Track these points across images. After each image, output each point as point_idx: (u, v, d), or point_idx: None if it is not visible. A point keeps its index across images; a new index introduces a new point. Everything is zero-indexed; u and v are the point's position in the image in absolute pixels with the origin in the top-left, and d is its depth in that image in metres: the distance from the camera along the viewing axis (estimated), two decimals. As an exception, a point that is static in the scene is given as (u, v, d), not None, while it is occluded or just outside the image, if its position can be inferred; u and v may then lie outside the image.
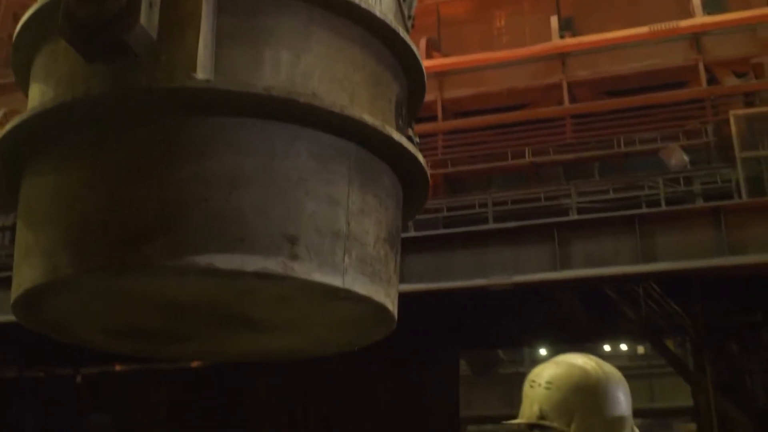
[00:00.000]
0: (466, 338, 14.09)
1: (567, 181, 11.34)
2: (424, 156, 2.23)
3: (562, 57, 12.77)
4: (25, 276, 1.97)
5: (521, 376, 2.81)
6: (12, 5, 14.42)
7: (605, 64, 12.58)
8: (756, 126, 9.79)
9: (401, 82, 2.26)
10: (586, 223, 9.48)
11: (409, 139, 2.19)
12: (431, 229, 10.01)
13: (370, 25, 2.08)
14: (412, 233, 9.32)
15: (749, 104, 11.26)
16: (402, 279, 2.29)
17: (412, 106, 2.36)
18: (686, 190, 9.94)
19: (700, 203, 9.65)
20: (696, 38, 12.17)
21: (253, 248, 1.81)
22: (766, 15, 11.54)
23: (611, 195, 10.13)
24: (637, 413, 2.74)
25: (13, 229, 10.79)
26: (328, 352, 2.60)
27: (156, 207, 1.80)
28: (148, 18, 1.75)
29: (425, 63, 2.34)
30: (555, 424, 2.52)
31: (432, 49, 13.29)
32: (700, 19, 12.00)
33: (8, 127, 1.97)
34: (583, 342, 14.79)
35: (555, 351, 14.93)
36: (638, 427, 2.69)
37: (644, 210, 9.52)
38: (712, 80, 11.99)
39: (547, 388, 2.59)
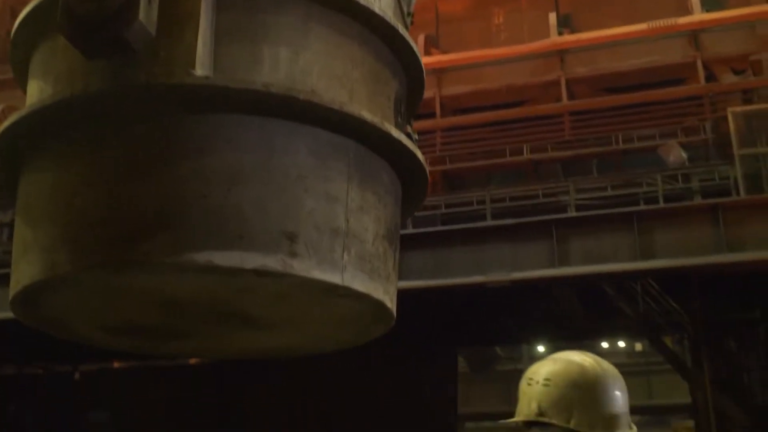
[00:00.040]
0: (464, 335, 14.09)
1: (565, 178, 11.34)
2: (423, 153, 2.22)
3: (560, 54, 12.77)
4: (23, 273, 1.97)
5: (519, 373, 2.81)
6: (10, 1, 14.39)
7: (604, 61, 12.58)
8: (754, 123, 9.79)
9: (400, 79, 2.26)
10: (584, 220, 9.47)
11: (408, 136, 2.19)
12: (429, 226, 10.00)
13: (369, 21, 2.08)
14: (410, 230, 9.31)
15: (747, 101, 11.25)
16: (400, 276, 2.29)
17: (411, 103, 2.36)
18: (684, 187, 9.94)
19: (698, 200, 9.64)
20: (694, 35, 12.17)
21: (252, 245, 1.81)
22: (765, 12, 11.54)
23: (609, 192, 10.13)
24: (634, 410, 2.74)
25: (11, 225, 10.78)
26: (327, 349, 2.60)
27: (155, 204, 1.80)
28: (147, 14, 1.75)
29: (423, 60, 2.33)
30: (554, 421, 2.52)
31: (430, 45, 13.28)
32: (699, 16, 12.00)
33: (6, 123, 1.97)
34: (581, 339, 14.82)
35: (553, 348, 14.95)
36: (636, 423, 2.69)
37: (642, 207, 9.52)
38: (710, 77, 11.99)
39: (546, 385, 2.58)
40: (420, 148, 2.22)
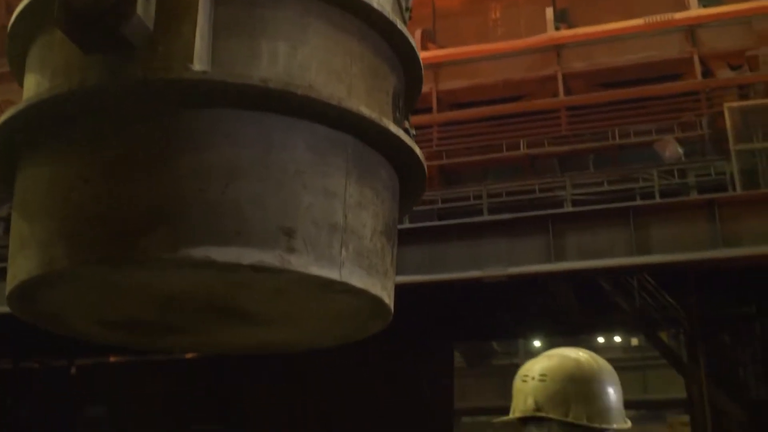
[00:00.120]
0: (461, 330, 14.11)
1: (562, 173, 11.34)
2: (419, 148, 2.22)
3: (557, 49, 12.74)
4: (20, 267, 1.96)
5: (515, 368, 2.80)
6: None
7: (600, 56, 12.56)
8: (750, 118, 9.79)
9: (398, 74, 2.25)
10: (580, 215, 9.48)
11: (406, 131, 2.18)
12: (426, 220, 10.00)
13: (367, 17, 2.07)
14: (407, 225, 9.30)
15: (744, 97, 11.25)
16: (397, 271, 2.29)
17: (409, 98, 2.36)
18: (681, 183, 9.95)
19: (694, 195, 9.65)
20: (691, 30, 12.15)
21: (250, 241, 1.81)
22: (761, 7, 11.53)
23: (606, 187, 10.13)
24: (630, 405, 2.74)
25: (7, 220, 10.75)
26: (325, 344, 2.60)
27: (152, 199, 1.80)
28: (145, 9, 1.74)
29: (420, 54, 2.33)
30: (551, 415, 2.52)
31: (427, 40, 13.26)
32: (696, 11, 11.99)
33: (3, 117, 1.96)
34: (578, 334, 14.86)
35: (549, 342, 14.99)
36: (631, 418, 2.69)
37: (639, 202, 9.52)
38: (707, 73, 11.98)
39: (542, 380, 2.58)
40: (417, 143, 2.21)
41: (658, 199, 9.52)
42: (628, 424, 2.63)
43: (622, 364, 15.54)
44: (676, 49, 12.21)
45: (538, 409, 2.55)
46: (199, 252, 1.77)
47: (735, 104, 10.15)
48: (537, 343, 17.65)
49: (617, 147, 11.56)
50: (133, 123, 1.84)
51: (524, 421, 2.59)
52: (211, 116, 1.83)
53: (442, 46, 13.41)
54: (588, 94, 12.35)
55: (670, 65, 12.25)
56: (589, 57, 12.61)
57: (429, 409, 13.00)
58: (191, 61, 1.78)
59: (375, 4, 2.05)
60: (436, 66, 13.01)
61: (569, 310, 11.87)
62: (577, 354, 2.66)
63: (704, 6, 12.12)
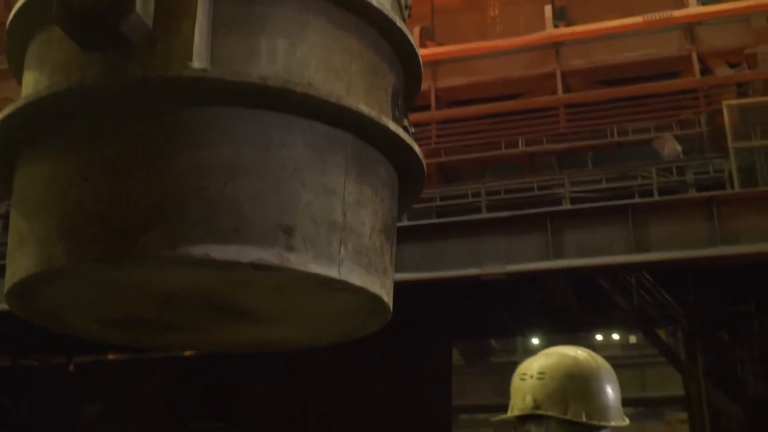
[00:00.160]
0: (459, 327, 14.11)
1: (560, 171, 11.35)
2: (418, 145, 2.22)
3: (556, 46, 12.74)
4: (19, 265, 1.96)
5: (514, 366, 2.81)
6: (3, -8, 14.30)
7: (599, 53, 12.56)
8: (749, 116, 9.80)
9: (398, 72, 2.25)
10: (579, 213, 9.48)
11: (405, 129, 2.18)
12: (424, 218, 10.00)
13: (366, 14, 2.07)
14: (405, 222, 9.30)
15: (742, 94, 11.26)
16: (395, 268, 2.29)
17: (408, 96, 2.35)
18: (679, 180, 9.95)
19: (692, 193, 9.66)
20: (690, 28, 12.15)
21: (249, 239, 1.81)
22: (760, 5, 11.54)
23: (604, 185, 10.14)
24: (628, 402, 2.75)
25: (5, 217, 10.75)
26: (324, 342, 2.60)
27: (151, 197, 1.79)
28: (144, 7, 1.74)
29: (419, 52, 2.33)
30: (550, 413, 2.52)
31: (426, 37, 13.25)
32: (694, 9, 12.00)
33: (2, 115, 1.96)
34: (576, 331, 14.88)
35: (548, 340, 15.00)
36: (629, 416, 2.70)
37: (637, 200, 9.53)
38: (705, 70, 11.99)
39: (540, 378, 2.59)
40: (415, 140, 2.21)
41: (656, 197, 9.53)
42: (626, 421, 2.64)
43: (621, 361, 15.55)
44: (674, 47, 12.22)
45: (536, 407, 2.55)
46: (199, 250, 1.77)
47: (733, 102, 10.16)
48: (535, 341, 17.66)
49: (616, 145, 11.56)
50: (132, 121, 1.84)
51: (523, 419, 2.60)
52: (210, 114, 1.83)
53: (440, 44, 13.41)
54: (587, 92, 12.37)
55: (668, 63, 12.26)
56: (588, 54, 12.61)
57: (427, 406, 13.01)
58: (190, 58, 1.77)
59: (374, 2, 2.05)
60: (435, 63, 13.01)
61: (567, 308, 11.88)
62: (576, 352, 2.67)
63: (703, 4, 12.13)
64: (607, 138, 11.48)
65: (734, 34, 11.90)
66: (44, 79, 1.96)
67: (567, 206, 9.80)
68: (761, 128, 9.61)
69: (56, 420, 14.48)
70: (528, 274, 9.63)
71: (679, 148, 10.54)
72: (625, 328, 16.13)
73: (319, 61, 1.96)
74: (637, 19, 11.90)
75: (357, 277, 1.98)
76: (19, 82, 2.16)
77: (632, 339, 20.74)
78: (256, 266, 1.82)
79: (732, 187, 9.27)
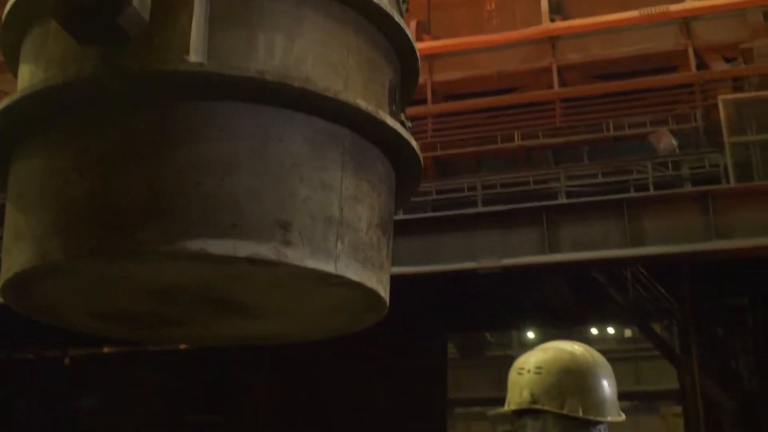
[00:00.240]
0: (455, 321, 14.11)
1: (556, 165, 11.34)
2: (414, 139, 2.22)
3: (552, 41, 12.73)
4: (15, 260, 1.95)
5: (509, 359, 2.81)
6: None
7: (595, 48, 12.56)
8: (744, 111, 9.80)
9: (395, 66, 2.25)
10: (574, 207, 9.49)
11: (402, 124, 2.18)
12: (420, 212, 10.00)
13: (364, 9, 2.06)
14: (401, 216, 9.29)
15: (738, 89, 11.26)
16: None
17: (405, 91, 2.35)
18: (675, 175, 9.95)
19: (688, 188, 9.66)
20: (686, 23, 12.15)
21: (246, 234, 1.80)
22: (756, 0, 11.54)
23: (600, 179, 10.14)
24: (623, 396, 2.76)
25: (1, 211, 10.71)
26: (320, 337, 2.60)
27: (147, 192, 1.79)
28: (141, 0, 1.73)
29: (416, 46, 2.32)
30: (547, 407, 2.53)
31: (422, 31, 13.22)
32: (690, 3, 11.98)
33: (-3, 108, 1.95)
34: (571, 325, 14.87)
35: (543, 334, 15.00)
36: (624, 409, 2.70)
37: (633, 194, 9.53)
38: (701, 65, 12.00)
39: (537, 373, 2.59)
40: (411, 134, 2.21)
41: (652, 191, 9.53)
42: (622, 416, 2.64)
43: (616, 355, 15.57)
44: (671, 41, 12.22)
45: (533, 401, 2.56)
46: (195, 245, 1.77)
47: (729, 96, 10.16)
48: (531, 335, 17.68)
49: (612, 139, 11.56)
50: (128, 115, 1.83)
51: (520, 413, 2.60)
52: (207, 108, 1.83)
53: (437, 37, 13.38)
54: (583, 86, 12.36)
55: (664, 57, 12.26)
56: (584, 49, 12.61)
57: (423, 399, 13.03)
58: (187, 52, 1.77)
59: (372, -4, 2.05)
60: (431, 57, 12.99)
61: (563, 302, 11.89)
62: (573, 347, 2.67)
63: (699, -2, 12.11)
64: (603, 132, 11.47)
65: (730, 29, 11.91)
66: (40, 72, 1.95)
67: (563, 200, 9.80)
68: (757, 123, 9.61)
69: (52, 413, 14.48)
70: (524, 268, 9.64)
71: (674, 142, 10.55)
72: (620, 321, 16.18)
73: (317, 56, 1.96)
74: (633, 14, 11.88)
75: (353, 272, 1.98)
76: (15, 75, 2.15)
77: (627, 333, 20.77)
78: (253, 261, 1.81)
79: (727, 181, 9.28)
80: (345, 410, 12.78)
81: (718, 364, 11.58)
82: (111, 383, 14.25)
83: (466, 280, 10.33)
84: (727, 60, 11.94)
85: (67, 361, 14.99)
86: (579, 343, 2.73)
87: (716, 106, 10.03)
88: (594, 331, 19.13)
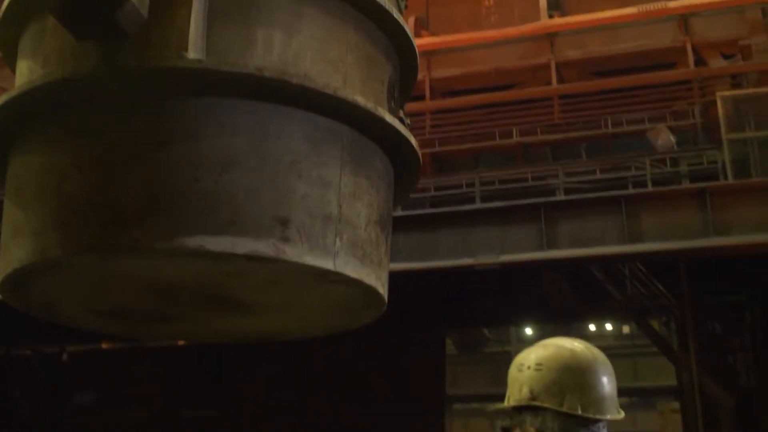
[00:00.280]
0: (453, 317, 14.12)
1: (554, 161, 11.35)
2: (412, 135, 2.21)
3: (550, 37, 12.73)
4: (13, 256, 1.95)
5: (507, 355, 2.82)
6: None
7: (594, 44, 12.56)
8: (742, 108, 9.80)
9: (394, 63, 2.24)
10: (572, 204, 9.49)
11: (401, 120, 2.18)
12: (418, 208, 9.99)
13: (363, 5, 2.06)
14: (399, 212, 9.28)
15: (736, 86, 11.27)
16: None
17: (404, 87, 2.35)
18: (673, 171, 9.96)
19: (686, 184, 9.66)
20: (684, 19, 12.16)
21: (244, 230, 1.80)
22: (754, -4, 11.55)
23: (598, 175, 10.13)
24: (621, 392, 2.75)
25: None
26: (318, 333, 2.60)
27: (145, 189, 1.78)
28: (139, -3, 1.73)
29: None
30: (547, 404, 2.53)
31: (420, 28, 13.21)
32: (689, 0, 11.98)
33: (-4, 104, 1.95)
34: (569, 322, 14.91)
35: (541, 330, 14.99)
36: (622, 405, 2.70)
37: (631, 191, 9.54)
38: (699, 61, 12.00)
39: (538, 370, 2.59)
40: (409, 130, 2.21)
41: (650, 188, 9.54)
42: (622, 414, 2.64)
43: (614, 351, 15.54)
44: (669, 38, 12.22)
45: (533, 398, 2.55)
46: (193, 241, 1.76)
47: (727, 93, 10.16)
48: (529, 331, 17.71)
49: (610, 135, 11.56)
50: (127, 111, 1.82)
51: (519, 409, 2.60)
52: (205, 105, 1.82)
53: (435, 34, 13.37)
54: (581, 83, 12.36)
55: (663, 54, 12.26)
56: (583, 45, 12.61)
57: (421, 396, 13.04)
58: (186, 49, 1.76)
59: (371, -7, 2.04)
60: (430, 53, 12.99)
61: (561, 298, 11.90)
62: (573, 344, 2.67)
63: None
64: (601, 129, 11.48)
65: (728, 26, 11.91)
66: (38, 68, 1.94)
67: (561, 197, 9.80)
68: (755, 119, 9.62)
69: (50, 409, 14.48)
70: (521, 265, 9.64)
71: (672, 139, 10.54)
72: (618, 318, 16.19)
73: (316, 52, 1.95)
74: (631, 10, 11.88)
75: (352, 269, 1.98)
76: (13, 71, 2.14)
77: (625, 329, 20.81)
78: (251, 258, 1.81)
79: (725, 178, 9.28)
80: (343, 406, 12.79)
81: (715, 361, 11.59)
82: (109, 379, 14.26)
83: (464, 277, 10.33)
84: (726, 57, 11.94)
85: (65, 357, 14.99)
86: (579, 340, 2.73)
87: (714, 102, 10.04)
88: (592, 327, 19.17)
